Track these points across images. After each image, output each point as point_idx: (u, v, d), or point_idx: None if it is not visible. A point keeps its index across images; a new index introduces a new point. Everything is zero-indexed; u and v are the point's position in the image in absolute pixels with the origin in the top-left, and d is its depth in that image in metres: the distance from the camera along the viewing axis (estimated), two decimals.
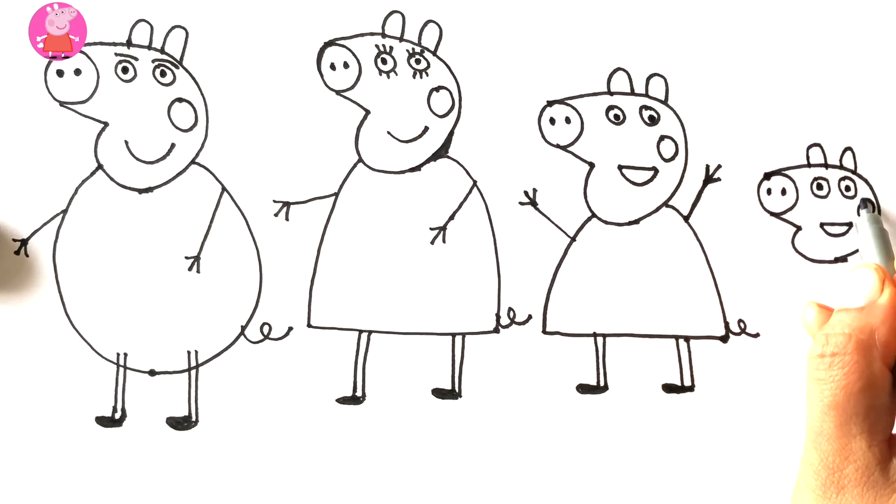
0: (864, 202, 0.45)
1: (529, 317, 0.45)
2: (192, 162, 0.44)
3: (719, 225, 0.46)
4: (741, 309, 0.46)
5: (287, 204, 0.45)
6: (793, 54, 0.47)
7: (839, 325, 0.36)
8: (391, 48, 0.45)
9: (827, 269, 0.46)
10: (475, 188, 0.46)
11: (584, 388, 0.45)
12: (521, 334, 0.45)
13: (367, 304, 0.45)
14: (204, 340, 0.44)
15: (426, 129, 0.46)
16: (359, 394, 0.44)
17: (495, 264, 0.45)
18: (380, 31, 0.46)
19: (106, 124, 0.44)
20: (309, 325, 0.45)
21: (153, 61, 0.44)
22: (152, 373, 0.44)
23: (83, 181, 0.44)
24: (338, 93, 0.45)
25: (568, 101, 0.46)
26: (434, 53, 0.46)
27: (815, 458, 0.35)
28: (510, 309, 0.45)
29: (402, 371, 0.45)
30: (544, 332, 0.45)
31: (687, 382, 0.45)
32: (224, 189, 0.45)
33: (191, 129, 0.44)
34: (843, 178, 0.47)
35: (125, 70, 0.44)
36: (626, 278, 0.46)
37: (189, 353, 0.44)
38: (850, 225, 0.47)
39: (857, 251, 0.47)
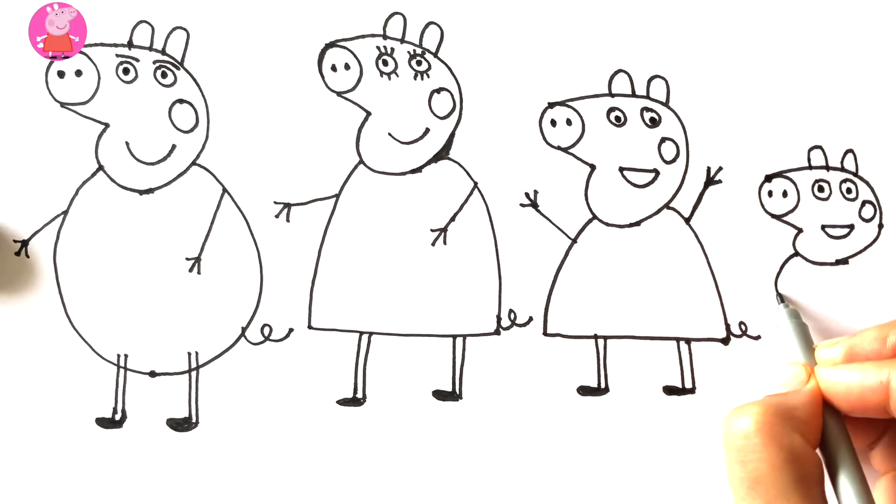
0: (781, 297, 0.45)
1: (530, 318, 0.45)
2: (193, 163, 0.44)
3: (720, 227, 0.46)
4: (742, 311, 0.46)
5: (288, 205, 0.45)
6: (794, 56, 0.47)
7: (753, 402, 0.37)
8: (392, 50, 0.45)
9: (828, 271, 0.46)
10: (476, 190, 0.46)
11: (584, 390, 0.45)
12: (522, 336, 0.45)
13: (368, 305, 0.45)
14: (204, 342, 0.44)
15: (427, 130, 0.46)
16: (359, 395, 0.44)
17: (496, 266, 0.45)
18: (381, 32, 0.46)
19: (107, 125, 0.44)
20: (309, 327, 0.44)
21: (154, 62, 0.44)
22: (153, 374, 0.44)
23: (84, 182, 0.44)
24: (339, 94, 0.45)
25: (569, 103, 0.46)
26: (435, 55, 0.46)
27: None
28: (511, 311, 0.45)
29: (402, 373, 0.45)
30: (545, 333, 0.45)
31: (688, 384, 0.45)
32: (225, 190, 0.45)
33: (192, 130, 0.44)
34: (845, 181, 0.47)
35: (126, 71, 0.44)
36: (627, 280, 0.46)
37: (189, 354, 0.44)
38: (851, 227, 0.47)
39: (857, 253, 0.47)
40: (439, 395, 0.45)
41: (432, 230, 0.45)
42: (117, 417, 0.43)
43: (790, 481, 0.34)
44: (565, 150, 0.46)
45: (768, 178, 0.47)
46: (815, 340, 0.43)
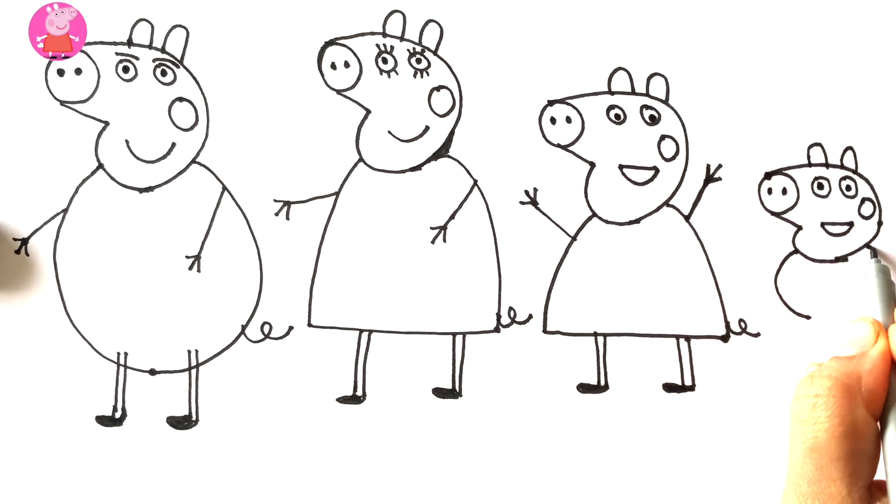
0: (874, 251, 0.45)
1: (530, 316, 0.45)
2: (193, 161, 0.44)
3: (720, 224, 0.46)
4: (742, 308, 0.46)
5: (288, 203, 0.45)
6: (793, 54, 0.47)
7: (826, 369, 0.37)
8: (392, 48, 0.46)
9: (828, 268, 0.46)
10: (476, 187, 0.46)
11: (584, 388, 0.45)
12: (522, 334, 0.45)
13: (368, 303, 0.45)
14: (204, 340, 0.44)
15: (427, 128, 0.46)
16: (359, 393, 0.44)
17: (496, 264, 0.45)
18: (381, 30, 0.46)
19: (107, 123, 0.44)
20: (309, 325, 0.45)
21: (154, 60, 0.44)
22: (153, 372, 0.44)
23: (84, 180, 0.44)
24: (338, 92, 0.45)
25: (569, 101, 0.46)
26: (435, 53, 0.46)
27: (793, 501, 0.35)
28: (511, 308, 0.45)
29: (402, 370, 0.45)
30: (545, 331, 0.45)
31: (687, 382, 0.45)
32: (224, 188, 0.45)
33: (191, 128, 0.44)
34: (844, 178, 0.47)
35: (126, 69, 0.44)
36: (627, 278, 0.46)
37: (189, 352, 0.44)
38: (851, 224, 0.47)
39: (857, 250, 0.47)
40: (439, 392, 0.45)
41: (432, 228, 0.45)
42: (117, 415, 0.43)
43: (844, 453, 0.35)
44: (565, 147, 0.46)
45: (768, 176, 0.47)
46: (815, 340, 0.43)
